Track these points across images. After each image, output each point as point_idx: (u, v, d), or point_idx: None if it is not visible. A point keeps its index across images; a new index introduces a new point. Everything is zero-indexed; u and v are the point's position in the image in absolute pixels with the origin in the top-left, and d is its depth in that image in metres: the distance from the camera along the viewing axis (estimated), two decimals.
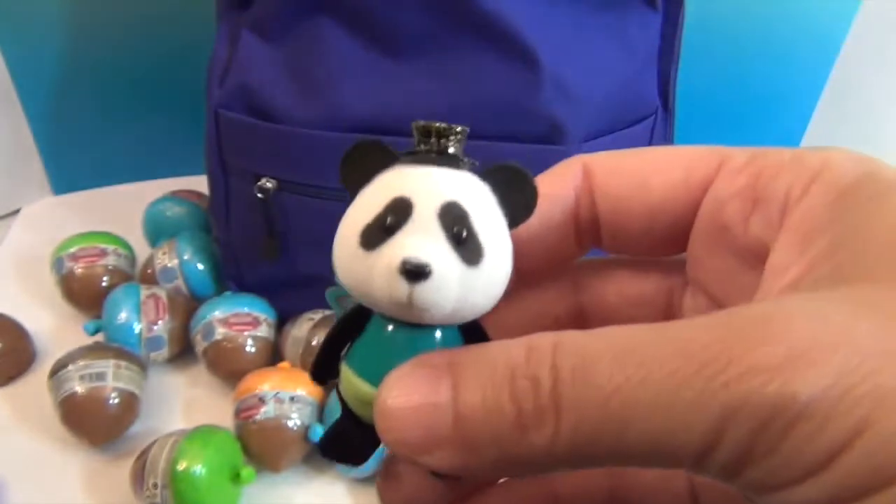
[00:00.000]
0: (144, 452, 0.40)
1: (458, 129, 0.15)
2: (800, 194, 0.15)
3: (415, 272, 0.13)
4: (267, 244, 0.46)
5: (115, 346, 0.46)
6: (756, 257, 0.16)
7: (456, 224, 0.13)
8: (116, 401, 0.43)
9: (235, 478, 0.41)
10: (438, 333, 0.15)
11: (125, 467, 0.42)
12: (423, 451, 0.13)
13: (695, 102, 0.57)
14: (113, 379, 0.43)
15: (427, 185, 0.14)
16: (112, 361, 0.44)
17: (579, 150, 0.44)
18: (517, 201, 0.15)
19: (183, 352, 0.50)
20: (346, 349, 0.16)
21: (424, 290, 0.13)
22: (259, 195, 0.44)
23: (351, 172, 0.15)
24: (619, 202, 0.18)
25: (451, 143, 0.15)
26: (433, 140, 0.15)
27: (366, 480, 0.43)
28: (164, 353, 0.49)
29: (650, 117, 0.47)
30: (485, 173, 0.15)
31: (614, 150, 0.19)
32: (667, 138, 0.50)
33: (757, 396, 0.11)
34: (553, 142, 0.43)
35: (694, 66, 0.52)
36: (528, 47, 0.40)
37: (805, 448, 0.11)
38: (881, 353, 0.11)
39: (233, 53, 0.43)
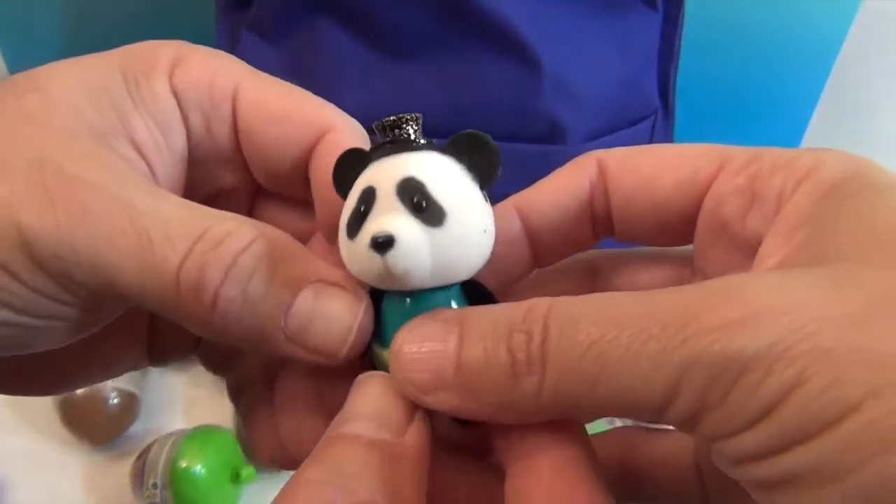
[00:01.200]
0: (144, 452, 0.40)
1: (409, 116, 0.17)
2: (791, 192, 0.17)
3: (382, 243, 0.15)
4: None
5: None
6: (753, 250, 0.17)
7: (413, 195, 0.15)
8: (116, 401, 0.43)
9: (235, 477, 0.41)
10: (441, 296, 0.16)
11: (125, 467, 0.42)
12: (428, 392, 0.15)
13: (695, 102, 0.57)
14: (113, 379, 0.43)
15: (385, 170, 0.16)
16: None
17: (579, 150, 0.44)
18: (481, 162, 0.16)
19: None
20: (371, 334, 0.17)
21: (395, 257, 0.15)
22: None
23: (340, 182, 0.17)
24: (630, 197, 0.19)
25: (404, 131, 0.17)
26: (389, 132, 0.17)
27: None
28: None
29: (650, 117, 0.47)
30: (445, 147, 0.16)
31: (626, 147, 0.20)
32: (667, 138, 0.50)
33: (709, 353, 0.13)
34: (553, 141, 0.43)
35: (694, 66, 0.52)
36: (529, 47, 0.40)
37: (748, 399, 0.12)
38: (827, 317, 0.12)
39: (233, 53, 0.43)
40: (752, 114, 0.66)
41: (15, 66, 0.60)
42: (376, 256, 0.15)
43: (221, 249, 0.16)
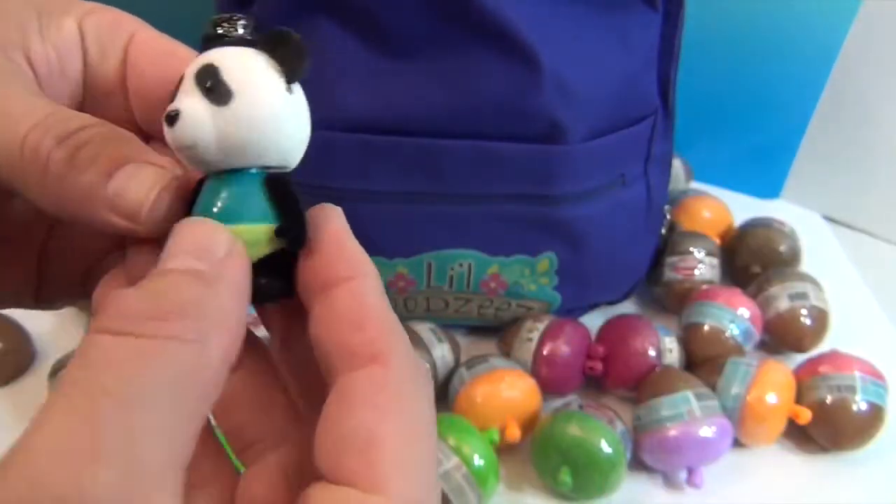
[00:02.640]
0: None
1: (228, 16, 0.19)
2: None
3: (170, 117, 0.17)
4: None
5: None
6: None
7: (206, 79, 0.17)
8: None
9: None
10: (238, 180, 0.18)
11: None
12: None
13: (695, 102, 0.57)
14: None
15: (196, 60, 0.18)
16: None
17: (580, 150, 0.45)
18: (288, 56, 0.18)
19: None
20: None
21: (179, 129, 0.17)
22: None
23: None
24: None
25: (223, 28, 0.18)
26: (212, 30, 0.19)
27: None
28: None
29: (650, 116, 0.47)
30: (256, 42, 0.18)
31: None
32: (667, 137, 0.50)
33: None
34: (553, 141, 0.43)
35: (694, 66, 0.52)
36: (529, 47, 0.40)
37: None
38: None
39: None
40: (752, 114, 0.66)
41: None
42: (168, 130, 0.17)
43: (61, 125, 0.18)
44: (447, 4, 0.40)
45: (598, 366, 0.48)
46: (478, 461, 0.40)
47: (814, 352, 0.50)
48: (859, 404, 0.45)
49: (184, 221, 0.17)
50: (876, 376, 0.46)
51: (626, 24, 0.45)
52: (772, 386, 0.45)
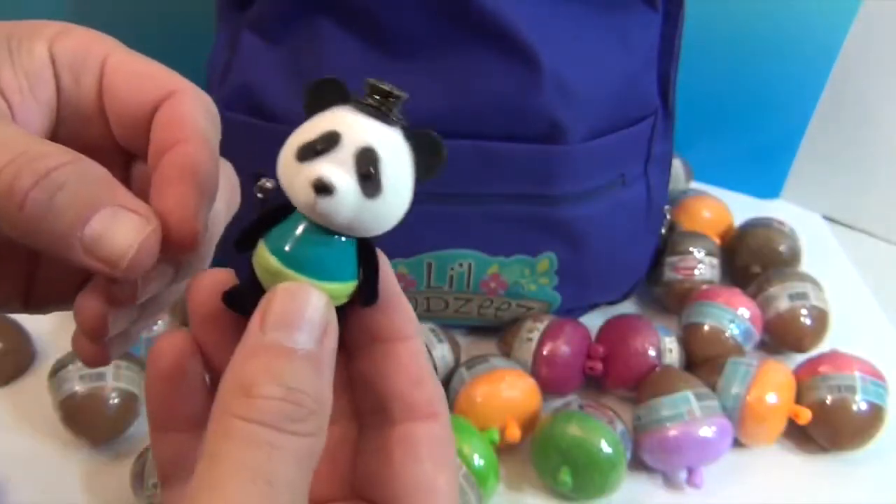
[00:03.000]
0: (144, 452, 0.40)
1: (398, 93, 0.18)
2: None
3: (322, 188, 0.17)
4: None
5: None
6: None
7: (367, 164, 0.17)
8: (116, 401, 0.43)
9: None
10: (337, 238, 0.19)
11: (125, 467, 0.42)
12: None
13: (695, 102, 0.57)
14: (113, 379, 0.43)
15: (357, 129, 0.18)
16: (112, 361, 0.44)
17: (580, 150, 0.45)
18: (430, 163, 0.19)
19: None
20: (266, 231, 0.20)
21: (325, 203, 0.18)
22: (259, 195, 0.44)
23: (312, 101, 0.19)
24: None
25: (390, 104, 0.18)
26: (377, 97, 0.18)
27: None
28: None
29: (650, 117, 0.47)
30: (409, 133, 0.19)
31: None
32: (667, 137, 0.50)
33: None
34: (553, 141, 0.43)
35: (694, 66, 0.52)
36: (529, 47, 0.40)
37: None
38: None
39: (233, 53, 0.43)
40: (752, 114, 0.66)
41: None
42: (312, 193, 0.18)
43: (37, 163, 0.18)
44: (447, 4, 0.40)
45: (598, 366, 0.48)
46: (478, 461, 0.40)
47: (814, 352, 0.50)
48: (859, 404, 0.45)
49: (297, 287, 0.18)
50: (876, 376, 0.46)
51: (626, 23, 0.45)
52: (772, 386, 0.45)
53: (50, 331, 0.52)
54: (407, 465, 0.20)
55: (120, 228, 0.19)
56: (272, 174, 0.48)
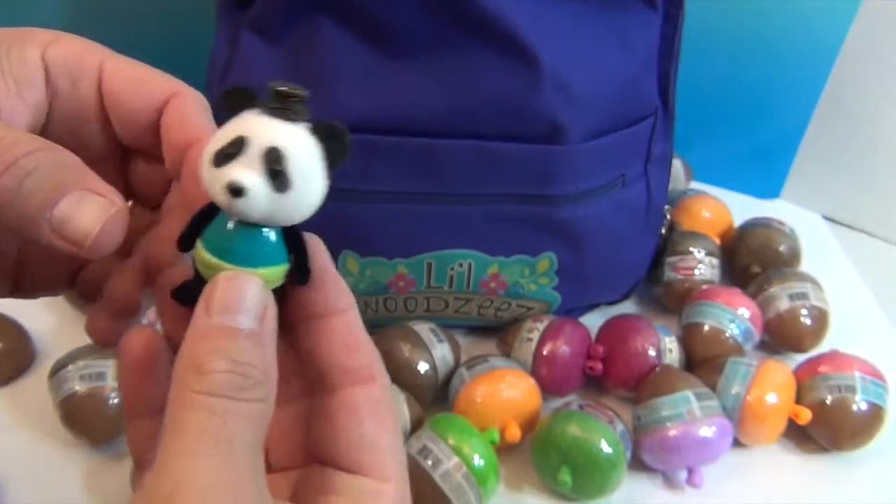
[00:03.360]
0: None
1: (299, 92, 0.20)
2: None
3: (235, 191, 0.19)
4: None
5: (114, 347, 0.46)
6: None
7: (273, 163, 0.19)
8: (116, 401, 0.43)
9: None
10: (262, 229, 0.21)
11: (125, 467, 0.42)
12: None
13: (695, 102, 0.57)
14: (113, 379, 0.43)
15: (262, 131, 0.19)
16: (112, 361, 0.44)
17: (580, 150, 0.45)
18: (336, 151, 0.20)
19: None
20: (203, 229, 0.21)
21: (240, 203, 0.19)
22: None
23: (226, 109, 0.20)
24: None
25: (292, 103, 0.20)
26: (279, 99, 0.20)
27: None
28: None
29: (650, 117, 0.47)
30: (313, 127, 0.20)
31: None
32: (667, 137, 0.50)
33: None
34: (553, 141, 0.43)
35: (694, 66, 0.52)
36: (528, 47, 0.40)
37: None
38: None
39: (233, 53, 0.43)
40: (751, 114, 0.66)
41: None
42: (227, 195, 0.19)
43: (8, 150, 0.19)
44: (447, 4, 0.40)
45: (598, 366, 0.48)
46: (478, 461, 0.40)
47: (814, 352, 0.50)
48: (859, 404, 0.45)
49: (234, 276, 0.20)
50: (876, 376, 0.46)
51: (626, 23, 0.45)
52: (772, 386, 0.45)
53: (50, 331, 0.52)
54: (350, 426, 0.22)
55: (86, 210, 0.20)
56: None
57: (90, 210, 0.20)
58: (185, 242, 0.22)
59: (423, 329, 0.48)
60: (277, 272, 0.21)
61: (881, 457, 0.46)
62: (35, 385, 0.48)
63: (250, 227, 0.20)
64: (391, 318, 0.50)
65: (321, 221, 0.52)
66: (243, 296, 0.20)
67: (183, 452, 0.18)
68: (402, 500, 0.22)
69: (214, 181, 0.19)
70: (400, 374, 0.46)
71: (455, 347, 0.49)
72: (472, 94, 0.41)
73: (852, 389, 0.45)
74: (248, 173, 0.19)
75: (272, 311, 0.21)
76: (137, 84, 0.24)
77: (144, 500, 0.18)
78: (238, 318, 0.20)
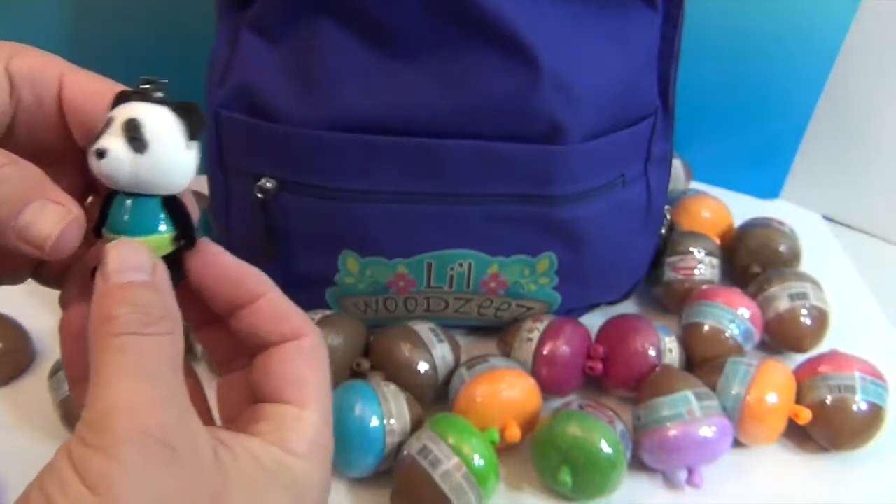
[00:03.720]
0: None
1: (159, 81, 0.24)
2: None
3: (98, 153, 0.22)
4: (266, 244, 0.46)
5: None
6: None
7: (130, 129, 0.22)
8: None
9: None
10: (146, 202, 0.24)
11: None
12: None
13: (695, 102, 0.57)
14: None
15: (125, 110, 0.23)
16: None
17: (580, 150, 0.45)
18: (193, 123, 0.23)
19: (184, 352, 0.50)
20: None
21: (105, 164, 0.22)
22: (259, 195, 0.44)
23: (113, 105, 0.24)
24: None
25: (152, 89, 0.24)
26: (142, 88, 0.24)
27: (366, 480, 0.43)
28: None
29: (650, 117, 0.47)
30: (173, 106, 0.23)
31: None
32: (667, 138, 0.50)
33: None
34: (553, 141, 0.43)
35: (694, 66, 0.52)
36: (528, 47, 0.40)
37: None
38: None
39: (233, 53, 0.43)
40: (752, 114, 0.66)
41: None
42: (94, 159, 0.22)
43: None
44: (447, 4, 0.40)
45: (598, 366, 0.48)
46: (478, 461, 0.40)
47: (814, 352, 0.50)
48: (859, 404, 0.45)
49: (118, 243, 0.23)
50: (876, 376, 0.46)
51: (626, 23, 0.45)
52: (772, 386, 0.45)
53: (50, 331, 0.52)
54: (279, 366, 0.26)
55: (46, 218, 0.23)
56: (272, 174, 0.49)
57: (50, 217, 0.23)
58: (97, 230, 0.25)
59: (423, 329, 0.48)
60: (163, 239, 0.24)
61: (881, 457, 0.46)
62: (35, 385, 0.48)
63: (134, 199, 0.24)
64: (391, 318, 0.50)
65: (322, 221, 0.52)
66: (129, 256, 0.23)
67: (106, 386, 0.21)
68: (322, 426, 0.25)
69: (89, 154, 0.23)
70: (400, 374, 0.46)
71: (455, 347, 0.49)
72: (472, 94, 0.41)
73: (852, 389, 0.45)
74: (111, 139, 0.23)
75: (161, 267, 0.23)
76: (93, 94, 0.26)
77: (77, 436, 0.21)
78: (129, 274, 0.22)
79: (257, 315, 0.26)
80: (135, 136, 0.22)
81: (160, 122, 0.23)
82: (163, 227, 0.24)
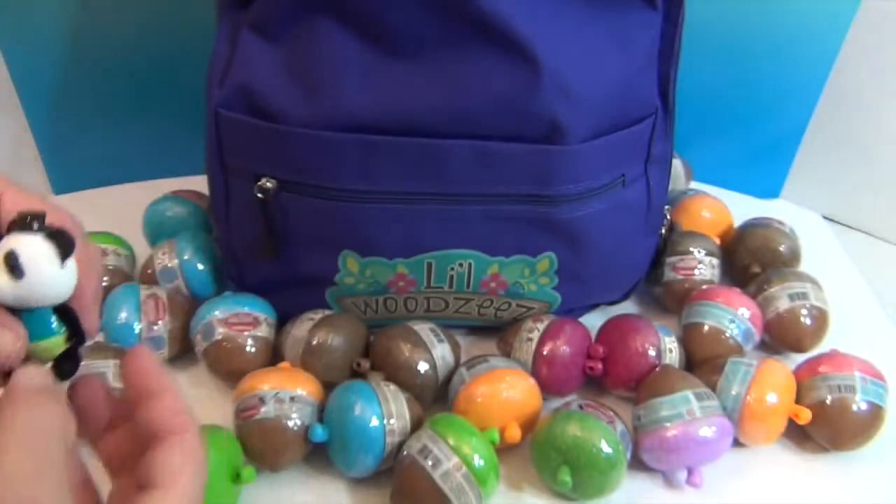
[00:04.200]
0: None
1: (35, 212, 0.27)
2: None
3: None
4: (267, 244, 0.46)
5: (115, 346, 0.46)
6: None
7: (10, 260, 0.26)
8: None
9: (235, 477, 0.41)
10: (38, 314, 0.27)
11: None
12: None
13: (695, 102, 0.57)
14: (113, 379, 0.43)
15: (6, 243, 0.26)
16: (112, 361, 0.44)
17: (580, 150, 0.45)
18: (63, 244, 0.26)
19: (183, 352, 0.50)
20: None
21: None
22: (259, 195, 0.44)
23: (7, 231, 0.27)
24: None
25: (30, 221, 0.26)
26: (23, 220, 0.26)
27: (366, 480, 0.43)
28: (165, 353, 0.49)
29: (650, 117, 0.47)
30: (46, 234, 0.26)
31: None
32: (667, 138, 0.50)
33: None
34: (553, 142, 0.43)
35: (694, 66, 0.52)
36: (528, 47, 0.40)
37: None
38: None
39: (233, 53, 0.43)
40: (752, 114, 0.66)
41: (15, 66, 0.60)
42: None
43: None
44: (447, 5, 0.40)
45: (598, 366, 0.48)
46: (478, 461, 0.40)
47: (814, 352, 0.50)
48: (859, 404, 0.45)
49: (25, 369, 0.27)
50: (876, 376, 0.46)
51: (626, 23, 0.45)
52: (772, 386, 0.45)
53: None
54: (165, 457, 0.28)
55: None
56: (272, 174, 0.49)
57: (3, 341, 0.26)
58: None
59: (423, 329, 0.48)
60: (57, 340, 0.28)
61: (881, 457, 0.46)
62: None
63: (27, 312, 0.27)
64: (391, 318, 0.50)
65: (322, 221, 0.52)
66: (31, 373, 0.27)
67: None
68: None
69: None
70: (400, 374, 0.46)
71: (455, 347, 0.49)
72: (472, 94, 0.41)
73: (852, 389, 0.45)
74: None
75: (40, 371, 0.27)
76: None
77: None
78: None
79: (150, 414, 0.29)
80: (14, 265, 0.26)
81: (39, 251, 0.26)
82: (55, 331, 0.28)
